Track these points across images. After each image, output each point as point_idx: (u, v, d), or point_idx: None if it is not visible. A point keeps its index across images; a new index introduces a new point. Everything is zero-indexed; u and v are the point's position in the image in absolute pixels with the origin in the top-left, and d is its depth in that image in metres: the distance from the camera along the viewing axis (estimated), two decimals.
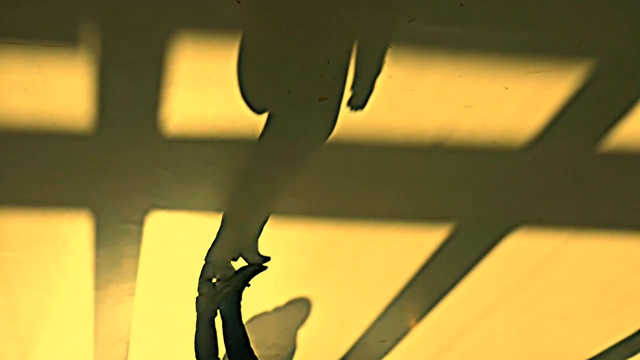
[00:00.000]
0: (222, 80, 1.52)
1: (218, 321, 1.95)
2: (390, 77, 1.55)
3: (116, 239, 1.93)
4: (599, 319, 2.61)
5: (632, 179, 1.90)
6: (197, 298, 1.96)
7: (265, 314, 2.36)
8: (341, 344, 2.61)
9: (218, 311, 1.94)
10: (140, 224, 1.89)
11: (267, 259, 2.01)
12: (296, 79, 1.54)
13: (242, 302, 1.97)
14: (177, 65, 1.48)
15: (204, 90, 1.54)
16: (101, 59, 1.45)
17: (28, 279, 2.00)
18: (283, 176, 1.79)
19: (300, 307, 2.35)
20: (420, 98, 1.60)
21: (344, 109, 1.62)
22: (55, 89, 1.49)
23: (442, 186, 1.86)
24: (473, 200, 1.92)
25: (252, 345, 1.87)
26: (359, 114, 1.63)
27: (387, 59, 1.50)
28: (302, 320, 2.42)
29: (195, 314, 1.95)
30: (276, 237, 2.00)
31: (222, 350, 1.97)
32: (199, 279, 2.04)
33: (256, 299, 2.27)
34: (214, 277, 2.03)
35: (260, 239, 2.00)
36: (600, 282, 2.38)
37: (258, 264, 1.99)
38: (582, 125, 1.71)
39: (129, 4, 1.37)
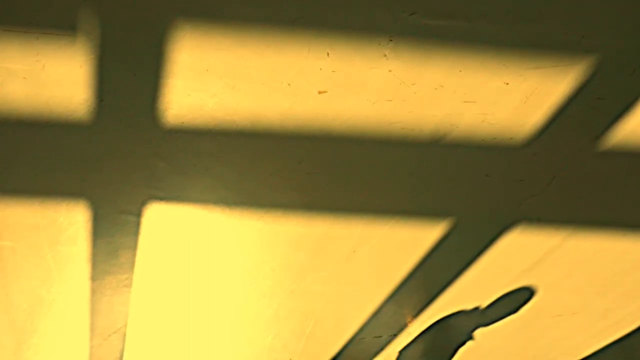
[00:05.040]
0: (220, 71, 1.51)
1: None
2: (390, 71, 1.54)
3: (113, 230, 1.93)
4: (596, 318, 2.61)
5: (632, 177, 1.90)
6: None
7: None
8: (337, 339, 2.61)
9: None
10: (138, 215, 1.89)
11: None
12: (296, 71, 1.53)
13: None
14: (176, 55, 1.47)
15: (203, 81, 1.53)
16: (100, 48, 1.44)
17: (24, 268, 2.00)
18: (282, 170, 1.79)
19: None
20: (420, 92, 1.59)
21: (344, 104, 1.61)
22: (54, 78, 1.48)
23: (440, 181, 1.86)
24: (471, 196, 1.92)
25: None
26: (358, 108, 1.62)
27: (388, 52, 1.50)
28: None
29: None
30: (274, 232, 2.00)
31: None
32: None
33: (254, 295, 2.27)
34: None
35: (257, 233, 2.00)
36: (597, 281, 2.37)
37: None
38: (582, 122, 1.70)
39: None
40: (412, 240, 2.08)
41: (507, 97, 1.62)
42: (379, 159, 1.77)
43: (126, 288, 2.16)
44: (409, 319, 2.52)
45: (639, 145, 1.79)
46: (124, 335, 2.38)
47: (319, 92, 1.59)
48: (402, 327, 2.57)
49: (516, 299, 2.36)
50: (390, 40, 1.48)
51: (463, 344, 2.40)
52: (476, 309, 2.27)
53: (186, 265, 2.11)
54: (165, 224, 1.93)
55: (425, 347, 2.34)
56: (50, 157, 1.67)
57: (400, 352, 2.47)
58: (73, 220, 1.87)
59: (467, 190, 1.90)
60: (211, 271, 2.15)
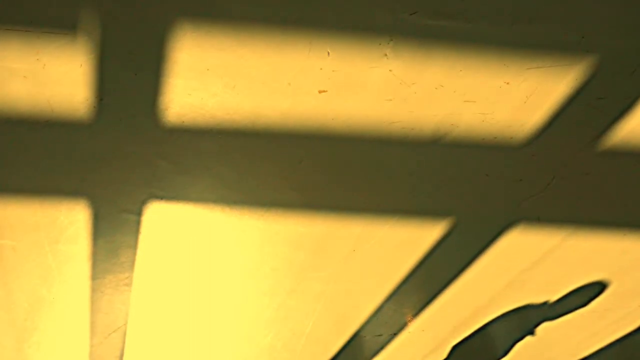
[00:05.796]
0: (221, 71, 1.51)
1: None
2: (390, 70, 1.54)
3: (114, 229, 1.93)
4: (595, 317, 2.61)
5: (632, 178, 1.90)
6: None
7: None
8: (337, 338, 2.61)
9: None
10: (138, 214, 1.89)
11: None
12: (296, 71, 1.53)
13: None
14: (176, 55, 1.47)
15: (203, 81, 1.53)
16: (100, 48, 1.44)
17: (25, 267, 2.01)
18: (282, 170, 1.79)
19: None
20: (421, 92, 1.59)
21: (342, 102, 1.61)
22: (54, 77, 1.48)
23: (440, 181, 1.86)
24: (471, 196, 1.92)
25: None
26: (358, 108, 1.62)
27: (388, 52, 1.50)
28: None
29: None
30: (274, 231, 2.00)
31: None
32: None
33: (254, 294, 2.27)
34: None
35: (257, 232, 2.00)
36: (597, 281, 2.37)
37: None
38: (582, 122, 1.70)
39: None
40: (412, 240, 2.08)
41: (507, 97, 1.62)
42: (379, 159, 1.77)
43: (126, 287, 2.16)
44: (409, 318, 2.52)
45: (639, 145, 1.79)
46: (124, 334, 2.39)
47: (319, 92, 1.59)
48: (402, 326, 2.57)
49: (586, 293, 2.29)
50: (391, 40, 1.48)
51: (521, 338, 2.31)
52: (544, 302, 2.22)
53: (186, 265, 2.11)
54: (166, 223, 1.93)
55: (480, 343, 2.26)
56: (51, 156, 1.67)
57: (454, 347, 2.41)
58: (73, 220, 1.87)
59: (467, 190, 1.90)
60: (211, 270, 2.15)
